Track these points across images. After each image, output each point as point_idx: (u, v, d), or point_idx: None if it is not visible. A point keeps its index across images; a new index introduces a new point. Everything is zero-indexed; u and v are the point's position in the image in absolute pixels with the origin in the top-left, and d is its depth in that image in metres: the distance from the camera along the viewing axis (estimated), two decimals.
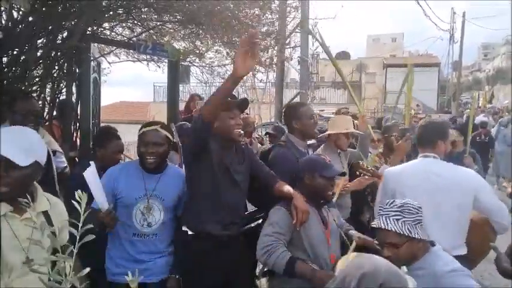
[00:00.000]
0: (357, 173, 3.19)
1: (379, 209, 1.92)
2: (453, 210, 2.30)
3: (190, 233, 2.40)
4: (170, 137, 2.40)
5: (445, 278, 1.71)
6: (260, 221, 2.74)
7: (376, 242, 2.39)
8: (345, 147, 3.42)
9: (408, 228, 1.76)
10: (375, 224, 1.86)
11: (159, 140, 2.33)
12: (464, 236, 2.37)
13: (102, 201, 2.09)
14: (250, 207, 3.28)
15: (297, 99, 7.83)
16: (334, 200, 2.80)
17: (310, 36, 7.42)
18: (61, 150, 3.02)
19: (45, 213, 1.65)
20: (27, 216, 1.56)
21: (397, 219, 1.79)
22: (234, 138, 2.38)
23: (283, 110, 3.44)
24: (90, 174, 2.04)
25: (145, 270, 2.28)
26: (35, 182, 1.67)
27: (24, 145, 1.53)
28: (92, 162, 2.09)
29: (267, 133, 4.65)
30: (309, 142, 3.10)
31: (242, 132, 2.39)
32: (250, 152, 2.62)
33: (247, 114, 3.90)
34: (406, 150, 3.30)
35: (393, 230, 1.76)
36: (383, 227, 1.79)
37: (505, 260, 1.77)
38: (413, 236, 1.75)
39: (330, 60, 3.31)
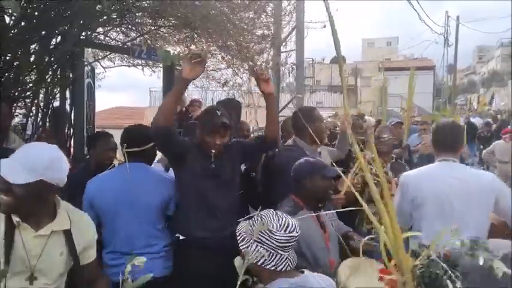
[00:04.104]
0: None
1: None
2: (474, 214, 2.26)
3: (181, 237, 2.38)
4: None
5: None
6: None
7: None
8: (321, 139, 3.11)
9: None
10: None
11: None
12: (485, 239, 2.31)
13: None
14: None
15: (293, 103, 7.79)
16: None
17: (305, 40, 7.40)
18: None
19: (67, 232, 1.63)
20: (40, 233, 1.55)
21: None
22: (210, 154, 2.35)
23: (293, 113, 3.32)
24: None
25: None
26: (59, 199, 1.65)
27: (27, 163, 1.48)
28: None
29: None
30: None
31: (213, 151, 2.34)
32: (235, 145, 2.55)
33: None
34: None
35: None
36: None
37: None
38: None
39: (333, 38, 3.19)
